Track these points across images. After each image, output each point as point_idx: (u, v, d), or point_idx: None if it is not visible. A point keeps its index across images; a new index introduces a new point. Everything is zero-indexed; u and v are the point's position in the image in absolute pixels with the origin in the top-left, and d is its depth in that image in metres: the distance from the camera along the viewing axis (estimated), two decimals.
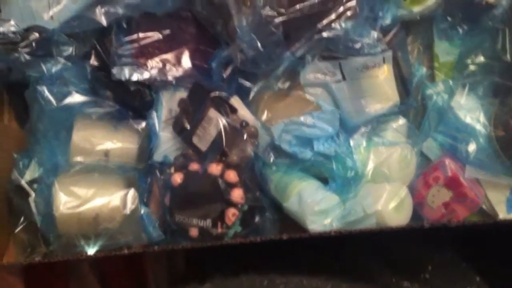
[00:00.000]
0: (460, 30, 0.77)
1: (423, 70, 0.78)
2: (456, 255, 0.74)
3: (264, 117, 0.76)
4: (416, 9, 0.75)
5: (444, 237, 0.75)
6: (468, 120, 0.74)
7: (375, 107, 0.73)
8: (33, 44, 0.76)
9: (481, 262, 0.73)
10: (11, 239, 0.81)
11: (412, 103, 0.76)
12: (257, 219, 0.75)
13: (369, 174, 0.72)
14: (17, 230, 0.80)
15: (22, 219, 0.80)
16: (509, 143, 0.71)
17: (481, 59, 0.75)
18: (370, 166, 0.72)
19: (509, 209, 0.76)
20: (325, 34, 0.70)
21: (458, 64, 0.77)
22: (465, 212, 0.74)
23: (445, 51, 0.79)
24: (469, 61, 0.75)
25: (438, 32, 0.78)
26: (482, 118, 0.73)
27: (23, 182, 0.79)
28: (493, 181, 0.74)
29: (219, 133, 0.74)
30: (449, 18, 0.77)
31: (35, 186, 0.79)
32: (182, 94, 0.78)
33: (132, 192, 0.74)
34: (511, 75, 0.71)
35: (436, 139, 0.77)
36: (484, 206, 0.76)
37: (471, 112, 0.74)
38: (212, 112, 0.74)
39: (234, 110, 0.75)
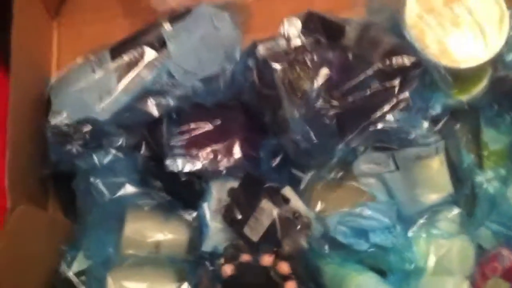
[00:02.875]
0: (508, 118, 0.78)
1: (472, 157, 0.79)
2: None
3: (317, 207, 0.76)
4: (464, 98, 0.77)
5: None
6: None
7: (430, 197, 0.73)
8: (86, 136, 0.77)
9: None
10: None
11: (464, 191, 0.76)
12: None
13: (430, 268, 0.71)
14: None
15: None
16: None
17: None
18: (431, 259, 0.71)
19: None
20: (378, 126, 0.71)
21: (510, 152, 0.78)
22: None
23: (493, 139, 0.80)
24: None
25: (486, 120, 0.80)
26: None
27: (71, 274, 0.78)
28: None
29: (272, 224, 0.74)
30: (495, 106, 0.79)
31: (83, 278, 0.78)
32: (231, 183, 0.78)
33: (185, 286, 0.74)
34: None
35: (489, 227, 0.76)
36: None
37: None
38: (265, 203, 0.74)
39: (286, 201, 0.75)
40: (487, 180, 0.77)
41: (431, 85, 0.73)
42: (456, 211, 0.76)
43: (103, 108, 0.78)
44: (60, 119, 0.77)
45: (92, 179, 0.77)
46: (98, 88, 0.79)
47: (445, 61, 0.72)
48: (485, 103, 0.78)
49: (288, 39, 0.74)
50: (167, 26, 0.81)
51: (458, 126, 0.80)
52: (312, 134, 0.72)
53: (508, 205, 0.75)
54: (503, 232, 0.75)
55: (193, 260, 0.78)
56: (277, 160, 0.77)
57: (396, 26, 0.75)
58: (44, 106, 0.81)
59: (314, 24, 0.75)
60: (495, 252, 0.75)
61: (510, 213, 0.74)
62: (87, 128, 0.77)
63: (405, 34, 0.74)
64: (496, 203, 0.76)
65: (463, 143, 0.80)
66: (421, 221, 0.74)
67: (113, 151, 0.78)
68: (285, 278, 0.72)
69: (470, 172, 0.78)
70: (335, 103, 0.72)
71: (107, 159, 0.78)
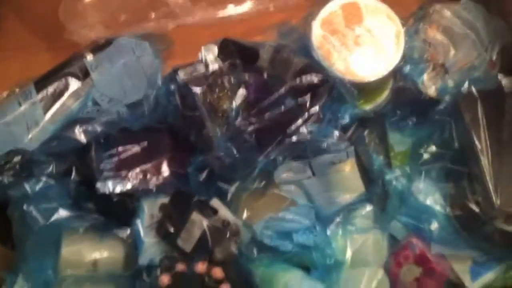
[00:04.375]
0: (410, 122, 0.86)
1: (381, 159, 0.86)
2: None
3: (244, 215, 0.82)
4: (370, 107, 0.84)
5: None
6: (427, 202, 0.81)
7: (344, 198, 0.80)
8: (16, 166, 0.80)
9: None
10: None
11: (376, 190, 0.83)
12: None
13: (348, 261, 0.77)
14: None
15: None
16: (467, 221, 0.79)
17: (432, 147, 0.83)
18: (348, 253, 0.78)
19: (473, 278, 0.83)
20: (294, 138, 0.77)
21: (413, 153, 0.86)
22: (435, 285, 0.81)
23: (398, 142, 0.87)
24: (422, 149, 0.83)
25: (390, 125, 0.87)
26: (440, 200, 0.81)
27: None
28: (457, 254, 0.82)
29: (203, 234, 0.78)
30: (398, 112, 0.86)
31: None
32: (162, 199, 0.82)
33: None
34: (461, 161, 0.80)
35: (400, 220, 0.83)
36: (451, 278, 0.82)
37: (429, 195, 0.81)
38: (195, 215, 0.79)
39: (215, 212, 0.80)
40: (395, 177, 0.84)
41: (339, 98, 0.79)
42: (369, 208, 0.82)
43: (31, 138, 0.81)
44: None
45: (25, 207, 0.79)
46: (25, 120, 0.81)
47: (350, 77, 0.79)
48: (389, 110, 0.85)
49: (206, 64, 0.79)
50: (89, 57, 0.84)
51: (366, 132, 0.86)
52: (234, 149, 0.77)
53: (414, 199, 0.82)
54: (412, 223, 0.82)
55: (130, 274, 0.81)
56: (204, 175, 0.81)
57: (305, 47, 0.81)
58: None
59: (229, 49, 0.80)
60: (406, 242, 0.82)
61: (416, 205, 0.81)
62: (17, 158, 0.80)
63: (313, 54, 0.80)
64: (404, 198, 0.83)
65: (372, 147, 0.86)
66: (338, 219, 0.80)
67: (44, 178, 0.81)
68: (219, 282, 0.77)
69: (380, 172, 0.85)
70: (253, 120, 0.77)
71: (38, 187, 0.80)
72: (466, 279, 0.83)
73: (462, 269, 0.83)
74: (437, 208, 0.81)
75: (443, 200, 0.81)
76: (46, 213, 0.79)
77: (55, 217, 0.79)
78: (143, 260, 0.81)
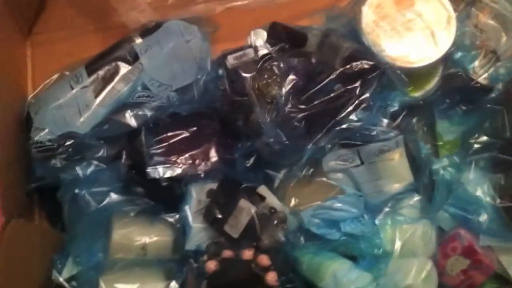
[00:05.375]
0: (459, 110, 0.85)
1: (428, 148, 0.85)
2: None
3: (292, 203, 0.82)
4: (419, 94, 0.83)
5: None
6: (476, 193, 0.80)
7: (393, 187, 0.80)
8: (68, 150, 0.81)
9: None
10: None
11: (423, 179, 0.83)
12: None
13: (396, 251, 0.77)
14: None
15: None
16: None
17: (483, 136, 0.82)
18: (397, 243, 0.77)
19: None
20: (343, 125, 0.77)
21: (462, 142, 0.84)
22: (481, 277, 0.81)
23: (447, 130, 0.86)
24: (471, 138, 0.82)
25: (439, 113, 0.86)
26: (488, 190, 0.80)
27: (62, 280, 0.81)
28: (505, 247, 0.81)
29: (250, 221, 0.79)
30: (447, 100, 0.85)
31: (73, 283, 0.82)
32: (210, 185, 0.83)
33: (173, 284, 0.78)
34: (511, 150, 0.79)
35: (448, 211, 0.83)
36: (498, 271, 0.82)
37: (478, 185, 0.80)
38: (243, 202, 0.79)
39: (262, 199, 0.81)
40: (443, 167, 0.84)
41: (388, 85, 0.79)
42: (417, 197, 0.82)
43: (83, 122, 0.82)
44: (42, 135, 0.81)
45: (77, 190, 0.81)
46: (77, 104, 0.82)
47: (400, 63, 0.78)
48: (438, 98, 0.84)
49: (255, 49, 0.79)
50: (138, 41, 0.85)
51: (414, 120, 0.85)
52: (283, 136, 0.77)
53: (462, 189, 0.81)
54: (460, 214, 0.82)
55: (178, 259, 0.82)
56: (251, 161, 0.82)
57: (353, 32, 0.80)
58: (24, 124, 0.84)
59: (278, 33, 0.80)
60: (454, 233, 0.82)
61: (465, 196, 0.81)
62: (69, 142, 0.81)
63: (362, 39, 0.79)
64: (452, 188, 0.82)
65: (420, 136, 0.86)
66: (386, 209, 0.80)
67: (95, 162, 0.82)
68: (266, 269, 0.78)
69: (427, 161, 0.84)
70: (302, 106, 0.77)
71: (90, 170, 0.82)
72: (511, 271, 0.82)
73: (508, 261, 0.82)
74: (486, 199, 0.80)
75: (492, 191, 0.80)
76: (98, 197, 0.80)
77: (106, 200, 0.80)
78: (190, 245, 0.82)
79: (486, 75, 0.83)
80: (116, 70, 0.83)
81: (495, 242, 0.81)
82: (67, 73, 0.86)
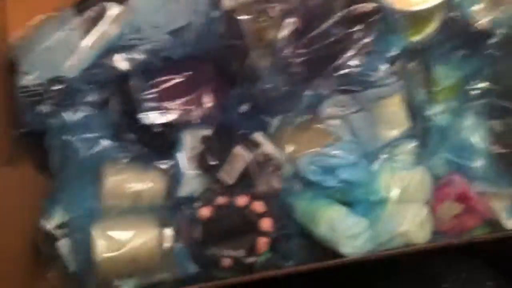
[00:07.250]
0: (458, 55, 0.83)
1: (424, 93, 0.84)
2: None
3: (288, 150, 0.81)
4: (417, 38, 0.81)
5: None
6: (471, 139, 0.81)
7: (390, 133, 0.80)
8: (57, 95, 0.78)
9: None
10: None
11: (420, 125, 0.82)
12: (286, 245, 0.80)
13: (393, 198, 0.77)
14: (48, 275, 0.82)
15: (52, 264, 0.81)
16: (510, 159, 0.78)
17: (480, 82, 0.81)
18: (393, 189, 0.78)
19: (508, 216, 0.83)
20: (343, 71, 0.75)
21: (458, 87, 0.84)
22: (474, 223, 0.82)
23: (444, 75, 0.85)
24: (469, 84, 0.82)
25: (437, 58, 0.84)
26: (483, 136, 0.80)
27: (51, 227, 0.80)
28: (497, 192, 0.81)
29: (246, 168, 0.78)
30: (446, 45, 0.84)
31: (63, 231, 0.81)
32: (203, 132, 0.81)
33: (167, 230, 0.78)
34: (509, 97, 0.78)
35: (442, 157, 0.83)
36: (491, 216, 0.83)
37: (473, 131, 0.81)
38: (238, 149, 0.78)
39: (258, 145, 0.80)
40: (438, 113, 0.84)
41: (387, 29, 0.77)
42: (413, 143, 0.82)
43: (71, 65, 0.78)
44: (30, 79, 0.77)
45: (65, 137, 0.78)
46: (65, 46, 0.78)
47: (399, 5, 0.76)
48: (437, 43, 0.83)
49: None
50: None
51: (412, 65, 0.84)
52: (281, 82, 0.75)
53: (458, 135, 0.81)
54: (455, 160, 0.82)
55: (172, 206, 0.81)
56: (247, 107, 0.80)
57: None
58: (8, 68, 0.80)
59: None
60: (448, 179, 0.82)
61: (461, 142, 0.81)
62: (57, 86, 0.78)
63: None
64: (447, 134, 0.82)
65: (417, 81, 0.85)
66: (383, 156, 0.80)
67: (84, 108, 0.79)
68: (261, 216, 0.77)
69: (422, 107, 0.84)
70: (301, 51, 0.75)
71: (79, 116, 0.79)
72: (502, 216, 0.83)
73: (499, 207, 0.83)
74: (480, 145, 0.81)
75: (486, 137, 0.81)
76: (87, 143, 0.78)
77: (97, 147, 0.78)
78: (183, 191, 0.81)
79: (486, 19, 0.81)
80: (105, 11, 0.79)
81: (487, 187, 0.81)
82: (54, 14, 0.81)
